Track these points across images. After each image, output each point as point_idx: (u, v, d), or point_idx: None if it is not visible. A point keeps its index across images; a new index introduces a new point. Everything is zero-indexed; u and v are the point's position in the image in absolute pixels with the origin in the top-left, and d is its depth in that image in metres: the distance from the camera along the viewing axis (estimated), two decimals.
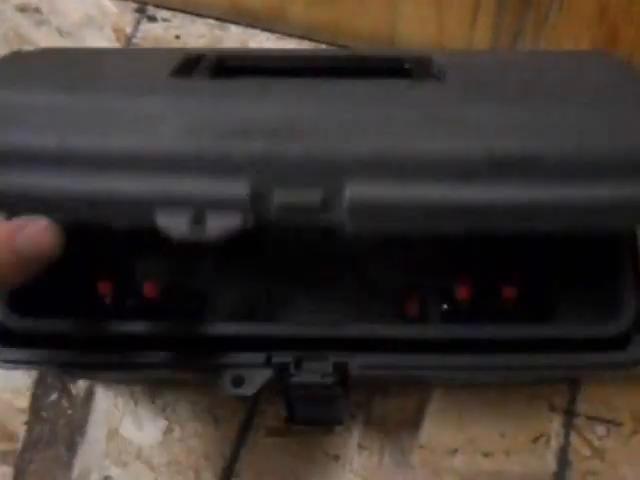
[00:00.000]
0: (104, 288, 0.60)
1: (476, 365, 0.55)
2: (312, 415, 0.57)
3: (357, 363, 0.55)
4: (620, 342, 0.54)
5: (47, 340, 0.55)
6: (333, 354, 0.55)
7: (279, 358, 0.55)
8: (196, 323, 0.58)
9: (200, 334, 0.56)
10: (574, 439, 0.66)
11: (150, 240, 0.46)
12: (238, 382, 0.55)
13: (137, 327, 0.56)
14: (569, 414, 0.66)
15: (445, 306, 0.60)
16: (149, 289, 0.60)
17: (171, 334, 0.56)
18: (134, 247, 0.62)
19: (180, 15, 0.84)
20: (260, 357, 0.55)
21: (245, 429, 0.67)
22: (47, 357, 0.55)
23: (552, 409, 0.67)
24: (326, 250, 0.61)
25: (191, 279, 0.62)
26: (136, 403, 0.68)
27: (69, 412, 0.68)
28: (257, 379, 0.55)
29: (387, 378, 0.61)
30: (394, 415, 0.67)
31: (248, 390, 0.55)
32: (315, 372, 0.55)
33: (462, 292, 0.58)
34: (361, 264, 0.62)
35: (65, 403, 0.69)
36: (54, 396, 0.69)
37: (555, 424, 0.66)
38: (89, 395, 0.69)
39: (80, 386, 0.67)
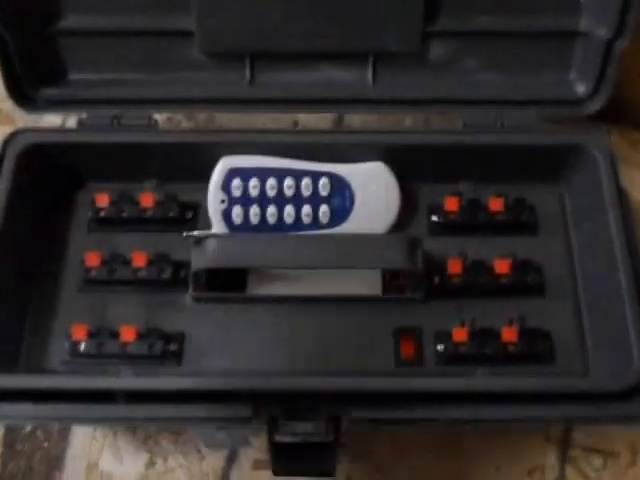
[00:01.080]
0: (79, 333, 0.59)
1: (478, 417, 0.54)
2: (300, 467, 0.55)
3: (351, 416, 0.54)
4: (627, 396, 0.53)
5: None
6: (325, 406, 0.54)
7: (268, 409, 0.54)
8: (174, 373, 0.57)
9: (178, 386, 0.55)
10: (570, 471, 0.65)
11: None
12: (224, 435, 0.54)
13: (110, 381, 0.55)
14: (565, 445, 0.66)
15: (441, 347, 0.59)
16: (126, 331, 0.59)
17: (148, 386, 0.55)
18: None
19: None
20: (247, 409, 0.54)
21: (230, 462, 0.66)
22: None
23: (548, 440, 0.66)
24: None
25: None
26: (116, 435, 0.67)
27: (45, 445, 0.67)
28: (244, 431, 0.54)
29: (381, 429, 0.60)
30: (385, 448, 0.66)
31: (235, 443, 0.54)
32: (306, 422, 0.54)
33: (459, 333, 0.58)
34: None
35: (41, 435, 0.67)
36: (29, 428, 0.67)
37: (551, 456, 0.66)
38: (66, 428, 0.67)
39: None
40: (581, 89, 0.66)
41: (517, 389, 0.54)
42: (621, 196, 0.59)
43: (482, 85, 0.67)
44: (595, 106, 0.65)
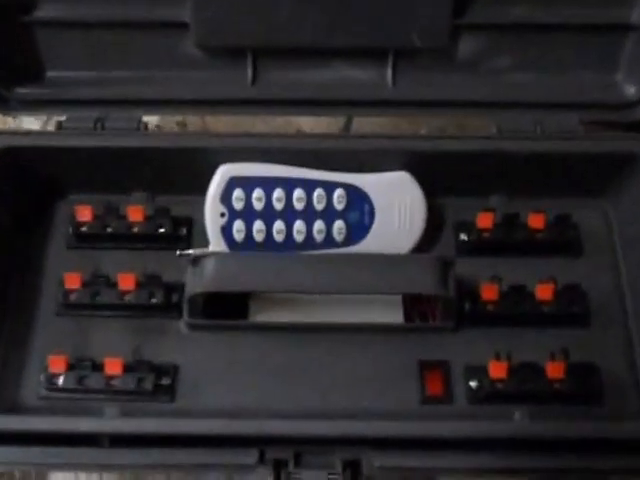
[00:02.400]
0: (57, 365, 0.55)
1: (520, 466, 0.50)
2: None
3: (375, 464, 0.50)
4: None
5: None
6: (341, 449, 0.51)
7: (275, 453, 0.51)
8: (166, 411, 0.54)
9: (171, 429, 0.51)
10: None
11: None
12: None
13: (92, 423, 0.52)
14: None
15: (474, 384, 0.55)
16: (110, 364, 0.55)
17: (136, 429, 0.51)
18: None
19: None
20: (251, 455, 0.50)
21: None
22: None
23: None
24: None
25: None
26: (101, 476, 0.64)
27: None
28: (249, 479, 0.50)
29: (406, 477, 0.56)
30: None
31: None
32: (320, 469, 0.50)
33: (497, 368, 0.54)
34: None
35: (17, 475, 0.64)
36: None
37: None
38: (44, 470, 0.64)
39: None
40: (630, 91, 0.62)
41: (567, 435, 0.51)
42: None
43: (517, 86, 0.63)
44: None
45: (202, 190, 0.61)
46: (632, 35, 0.61)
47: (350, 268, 0.55)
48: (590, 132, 0.62)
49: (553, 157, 0.60)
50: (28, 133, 0.63)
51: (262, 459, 0.50)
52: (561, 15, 0.61)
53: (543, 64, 0.63)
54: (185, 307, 0.57)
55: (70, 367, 0.55)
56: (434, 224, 0.62)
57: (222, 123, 0.72)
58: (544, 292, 0.57)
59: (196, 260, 0.56)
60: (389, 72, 0.63)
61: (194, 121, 0.75)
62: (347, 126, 0.74)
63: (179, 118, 0.75)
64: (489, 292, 0.57)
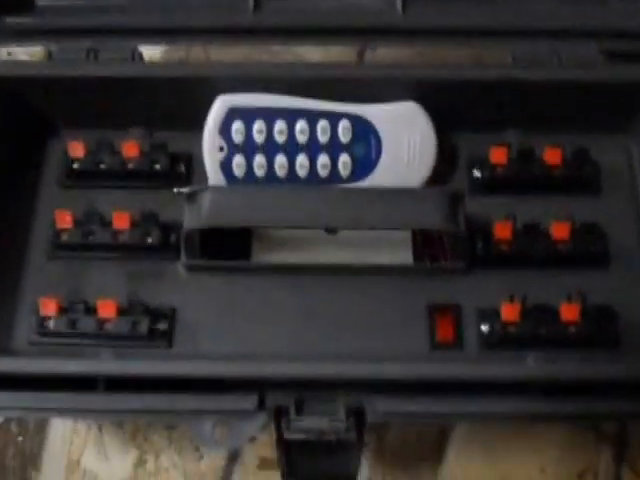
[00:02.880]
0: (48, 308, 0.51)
1: (527, 411, 0.47)
2: (315, 470, 0.49)
3: (379, 409, 0.47)
4: None
5: None
6: (344, 394, 0.47)
7: (275, 399, 0.47)
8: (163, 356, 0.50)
9: (167, 371, 0.48)
10: (626, 473, 0.59)
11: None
12: (222, 432, 0.47)
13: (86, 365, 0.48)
14: (620, 444, 0.60)
15: (485, 327, 0.51)
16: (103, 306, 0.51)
17: (131, 370, 0.48)
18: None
19: None
20: (250, 399, 0.47)
21: (233, 460, 0.60)
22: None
23: (600, 438, 0.60)
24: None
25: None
26: (100, 428, 0.61)
27: (20, 440, 0.61)
28: (247, 428, 0.47)
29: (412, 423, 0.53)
30: (411, 445, 0.60)
31: (235, 442, 0.48)
32: (322, 415, 0.47)
33: (509, 311, 0.50)
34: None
35: (14, 429, 0.61)
36: (0, 420, 0.62)
37: (604, 456, 0.60)
38: (44, 419, 0.61)
39: None
40: None
41: (583, 378, 0.47)
42: None
43: (534, 13, 0.58)
44: None
45: (201, 125, 0.57)
46: None
47: (354, 202, 0.51)
48: (608, 61, 0.57)
49: (571, 87, 0.56)
50: (16, 63, 0.59)
51: (262, 405, 0.47)
52: None
53: None
54: (183, 246, 0.53)
55: (62, 310, 0.52)
56: (446, 160, 0.57)
57: (224, 55, 0.67)
58: (560, 231, 0.52)
59: (193, 195, 0.52)
60: None
61: (195, 54, 0.70)
62: (360, 59, 0.69)
63: (181, 53, 0.69)
64: (502, 231, 0.53)
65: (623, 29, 0.58)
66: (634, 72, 0.56)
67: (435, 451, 0.59)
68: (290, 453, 0.48)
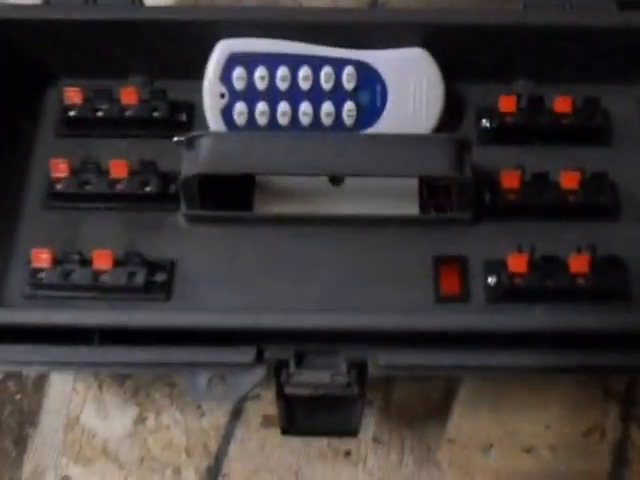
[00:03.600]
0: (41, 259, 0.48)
1: (534, 365, 0.44)
2: (316, 425, 0.46)
3: (380, 362, 0.44)
4: None
5: None
6: (346, 347, 0.45)
7: (274, 353, 0.45)
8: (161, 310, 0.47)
9: (163, 322, 0.45)
10: (634, 432, 0.56)
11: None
12: (218, 386, 0.45)
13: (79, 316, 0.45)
14: (628, 402, 0.57)
15: (492, 280, 0.48)
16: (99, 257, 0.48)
17: (126, 322, 0.45)
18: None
19: None
20: (248, 352, 0.44)
21: (235, 417, 0.57)
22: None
23: (607, 396, 0.57)
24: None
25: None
26: (100, 386, 0.58)
27: (17, 397, 0.59)
28: (244, 381, 0.45)
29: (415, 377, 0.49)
30: (417, 402, 0.57)
31: (232, 396, 0.45)
32: (323, 370, 0.44)
33: (516, 262, 0.46)
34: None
35: (12, 386, 0.59)
36: None
37: (612, 414, 0.57)
38: (42, 376, 0.59)
39: None
40: None
41: (592, 330, 0.44)
42: None
43: None
44: None
45: (204, 72, 0.53)
46: None
47: (358, 148, 0.48)
48: (623, 7, 0.53)
49: (582, 34, 0.52)
50: (11, 6, 0.55)
51: (260, 358, 0.44)
52: None
53: None
54: (181, 194, 0.50)
55: (56, 262, 0.49)
56: (454, 109, 0.54)
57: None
58: (570, 181, 0.49)
59: (191, 141, 0.48)
60: None
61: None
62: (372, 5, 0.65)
63: None
64: (510, 180, 0.49)
65: None
66: None
67: (441, 408, 0.57)
68: (290, 408, 0.45)
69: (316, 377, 0.45)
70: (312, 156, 0.47)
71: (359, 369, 0.44)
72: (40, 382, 0.59)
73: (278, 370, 0.45)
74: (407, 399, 0.57)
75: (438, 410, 0.57)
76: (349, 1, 0.65)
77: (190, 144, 0.48)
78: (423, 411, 0.57)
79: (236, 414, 0.58)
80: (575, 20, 0.52)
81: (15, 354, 0.45)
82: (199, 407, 0.57)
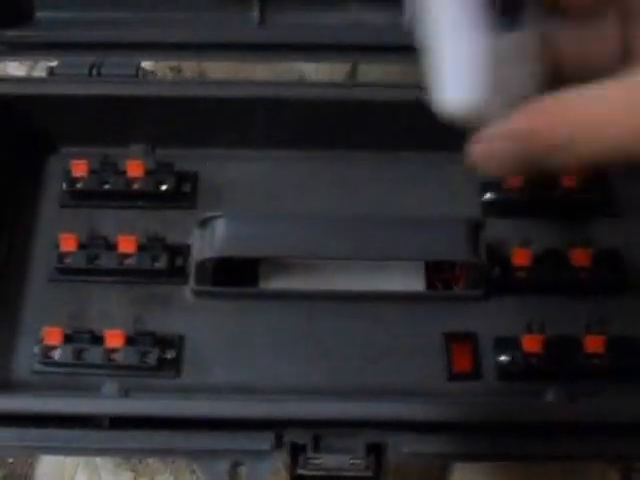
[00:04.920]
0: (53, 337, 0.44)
1: (558, 453, 0.41)
2: None
3: (402, 449, 0.40)
4: None
5: None
6: (364, 432, 0.41)
7: (292, 436, 0.41)
8: (171, 386, 0.44)
9: (177, 411, 0.41)
10: None
11: None
12: (236, 473, 0.41)
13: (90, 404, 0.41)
14: (627, 469, 0.52)
15: (504, 358, 0.45)
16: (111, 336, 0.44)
17: (138, 410, 0.41)
18: None
19: None
20: (267, 439, 0.40)
21: None
22: None
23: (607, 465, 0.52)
24: None
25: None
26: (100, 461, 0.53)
27: (10, 462, 0.53)
28: (263, 467, 0.40)
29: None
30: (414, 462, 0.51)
31: None
32: (341, 454, 0.41)
33: (531, 341, 0.44)
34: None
35: None
36: None
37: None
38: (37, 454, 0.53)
39: None
40: None
41: (606, 418, 0.40)
42: None
43: None
44: None
45: (207, 142, 0.50)
46: None
47: (373, 233, 0.44)
48: None
49: None
50: (16, 80, 0.51)
51: (279, 444, 0.40)
52: None
53: None
54: (192, 273, 0.46)
55: (67, 339, 0.45)
56: (456, 183, 0.50)
57: (220, 69, 0.59)
58: (580, 257, 0.46)
59: (205, 222, 0.44)
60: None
61: (190, 66, 0.62)
62: (353, 74, 0.61)
63: (174, 63, 0.61)
64: (521, 257, 0.46)
65: None
66: None
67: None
68: None
69: (334, 461, 0.41)
70: (325, 242, 0.44)
71: (378, 452, 0.41)
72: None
73: (295, 454, 0.41)
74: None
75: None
76: (327, 70, 0.61)
77: (203, 225, 0.44)
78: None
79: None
80: None
81: (20, 438, 0.41)
82: (193, 472, 0.53)
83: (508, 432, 0.40)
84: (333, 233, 0.44)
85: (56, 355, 0.45)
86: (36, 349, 0.45)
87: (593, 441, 0.40)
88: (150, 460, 0.53)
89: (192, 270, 0.46)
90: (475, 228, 0.44)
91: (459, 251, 0.44)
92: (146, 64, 0.55)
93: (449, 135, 0.47)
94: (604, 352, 0.44)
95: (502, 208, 0.49)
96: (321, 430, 0.41)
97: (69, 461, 0.53)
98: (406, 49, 0.50)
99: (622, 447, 0.41)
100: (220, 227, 0.44)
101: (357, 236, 0.44)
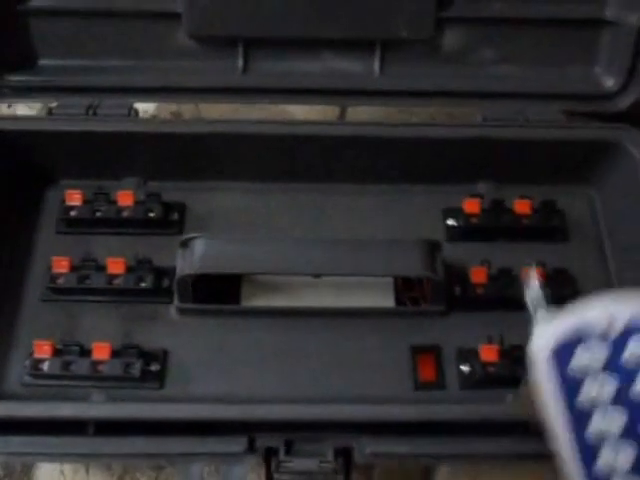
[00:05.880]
0: (42, 350, 0.45)
1: (514, 452, 0.41)
2: None
3: (366, 451, 0.41)
4: None
5: None
6: (333, 436, 0.41)
7: (265, 441, 0.41)
8: (155, 397, 0.44)
9: (157, 414, 0.41)
10: None
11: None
12: (211, 475, 0.40)
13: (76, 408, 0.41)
14: None
15: (465, 368, 0.46)
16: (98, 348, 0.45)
17: (121, 414, 0.41)
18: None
19: None
20: (240, 443, 0.41)
21: None
22: None
23: None
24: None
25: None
26: (87, 470, 0.53)
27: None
28: (236, 471, 0.40)
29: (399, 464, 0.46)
30: (398, 476, 0.52)
31: None
32: (311, 457, 0.41)
33: (488, 352, 0.45)
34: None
35: (0, 471, 0.53)
36: None
37: None
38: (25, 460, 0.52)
39: None
40: (609, 83, 0.54)
41: None
42: None
43: (501, 77, 0.54)
44: (625, 102, 0.53)
45: (194, 176, 0.52)
46: (607, 29, 0.53)
47: (338, 251, 0.46)
48: (571, 121, 0.53)
49: (537, 144, 0.51)
50: (15, 117, 0.53)
51: (251, 447, 0.41)
52: (539, 10, 0.52)
53: (524, 57, 0.54)
54: (176, 290, 0.47)
55: (56, 352, 0.45)
56: (421, 209, 0.53)
57: (216, 111, 0.62)
58: None
59: (185, 242, 0.46)
60: (377, 63, 0.54)
61: (188, 110, 0.64)
62: (342, 115, 0.64)
63: (173, 108, 0.64)
64: (478, 275, 0.48)
65: (581, 92, 0.54)
66: (591, 132, 0.52)
67: None
68: None
69: (304, 464, 0.41)
70: (295, 259, 0.45)
71: (345, 456, 0.41)
72: (28, 466, 0.53)
73: (268, 457, 0.41)
74: (388, 473, 0.53)
75: None
76: (321, 109, 0.64)
77: (184, 245, 0.46)
78: None
79: None
80: (528, 132, 0.52)
81: (9, 445, 0.41)
82: None
83: (468, 434, 0.41)
84: (301, 252, 0.45)
85: (45, 367, 0.45)
86: (27, 362, 0.46)
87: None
88: (143, 479, 0.52)
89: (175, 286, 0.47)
90: (432, 247, 0.46)
91: (416, 267, 0.45)
92: (148, 108, 0.58)
93: (414, 168, 0.50)
94: None
95: (462, 232, 0.51)
96: (292, 434, 0.41)
97: None
98: (373, 93, 0.54)
99: None
100: (199, 246, 0.45)
101: (323, 254, 0.45)
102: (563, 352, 0.25)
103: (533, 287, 0.28)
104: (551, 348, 0.25)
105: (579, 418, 0.26)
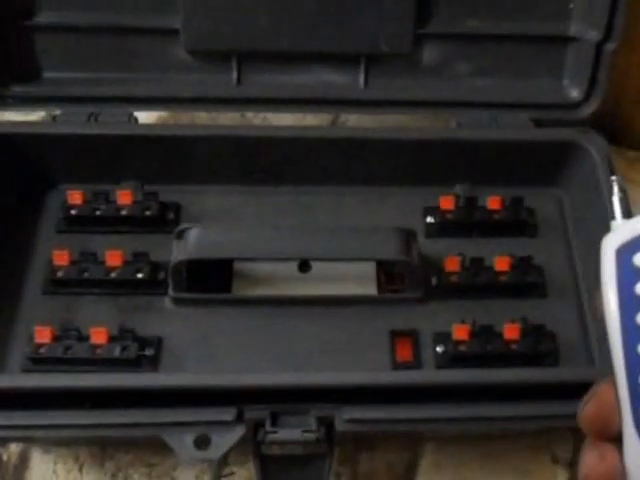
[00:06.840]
0: (42, 336, 0.49)
1: (478, 415, 0.46)
2: None
3: (344, 417, 0.45)
4: None
5: None
6: (316, 407, 0.46)
7: (252, 413, 0.45)
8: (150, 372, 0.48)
9: (155, 385, 0.45)
10: None
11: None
12: (202, 443, 0.44)
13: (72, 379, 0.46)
14: (574, 466, 0.57)
15: (440, 348, 0.51)
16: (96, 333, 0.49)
17: (116, 384, 0.45)
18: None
19: None
20: (229, 412, 0.45)
21: None
22: None
23: (555, 461, 0.57)
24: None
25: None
26: (81, 468, 0.55)
27: None
28: (226, 439, 0.44)
29: (377, 432, 0.51)
30: (383, 472, 0.56)
31: (215, 453, 0.44)
32: (295, 428, 0.45)
33: (460, 331, 0.49)
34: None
35: None
36: None
37: (560, 478, 0.56)
38: (23, 460, 0.56)
39: (12, 450, 0.55)
40: (574, 94, 0.60)
41: (523, 381, 0.46)
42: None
43: (475, 89, 0.60)
44: (588, 110, 0.59)
45: (190, 179, 0.57)
46: (572, 45, 0.59)
47: (321, 237, 0.51)
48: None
49: (508, 145, 0.57)
50: (19, 122, 0.58)
51: (240, 417, 0.45)
52: (510, 27, 0.59)
53: (497, 70, 0.60)
54: (170, 278, 0.52)
55: (55, 338, 0.49)
56: (403, 208, 0.58)
57: (210, 120, 0.67)
58: (502, 264, 0.53)
59: (180, 233, 0.51)
60: (362, 75, 0.60)
61: (186, 120, 0.70)
62: (333, 124, 0.70)
63: (172, 120, 0.69)
64: (452, 264, 0.53)
65: (549, 102, 0.60)
66: (555, 133, 0.58)
67: (405, 477, 0.56)
68: (265, 467, 0.46)
69: (289, 434, 0.45)
70: (281, 244, 0.50)
71: (327, 426, 0.45)
72: (21, 465, 0.55)
73: (256, 429, 0.45)
74: (373, 471, 0.57)
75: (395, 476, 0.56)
76: (312, 119, 0.70)
77: (179, 236, 0.51)
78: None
79: None
80: (500, 136, 0.57)
81: (7, 419, 0.45)
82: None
83: (442, 400, 0.45)
84: (287, 238, 0.51)
85: (44, 351, 0.49)
86: (27, 348, 0.49)
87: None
88: (135, 476, 0.55)
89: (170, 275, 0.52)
90: (407, 234, 0.51)
91: (393, 251, 0.50)
92: (148, 119, 0.64)
93: (395, 171, 0.56)
94: (519, 339, 0.49)
95: (439, 228, 0.56)
96: (278, 406, 0.45)
97: (56, 478, 0.55)
98: (359, 103, 0.60)
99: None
100: (192, 235, 0.50)
101: (308, 240, 0.50)
102: (628, 250, 0.29)
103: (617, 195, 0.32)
104: (618, 247, 0.29)
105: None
